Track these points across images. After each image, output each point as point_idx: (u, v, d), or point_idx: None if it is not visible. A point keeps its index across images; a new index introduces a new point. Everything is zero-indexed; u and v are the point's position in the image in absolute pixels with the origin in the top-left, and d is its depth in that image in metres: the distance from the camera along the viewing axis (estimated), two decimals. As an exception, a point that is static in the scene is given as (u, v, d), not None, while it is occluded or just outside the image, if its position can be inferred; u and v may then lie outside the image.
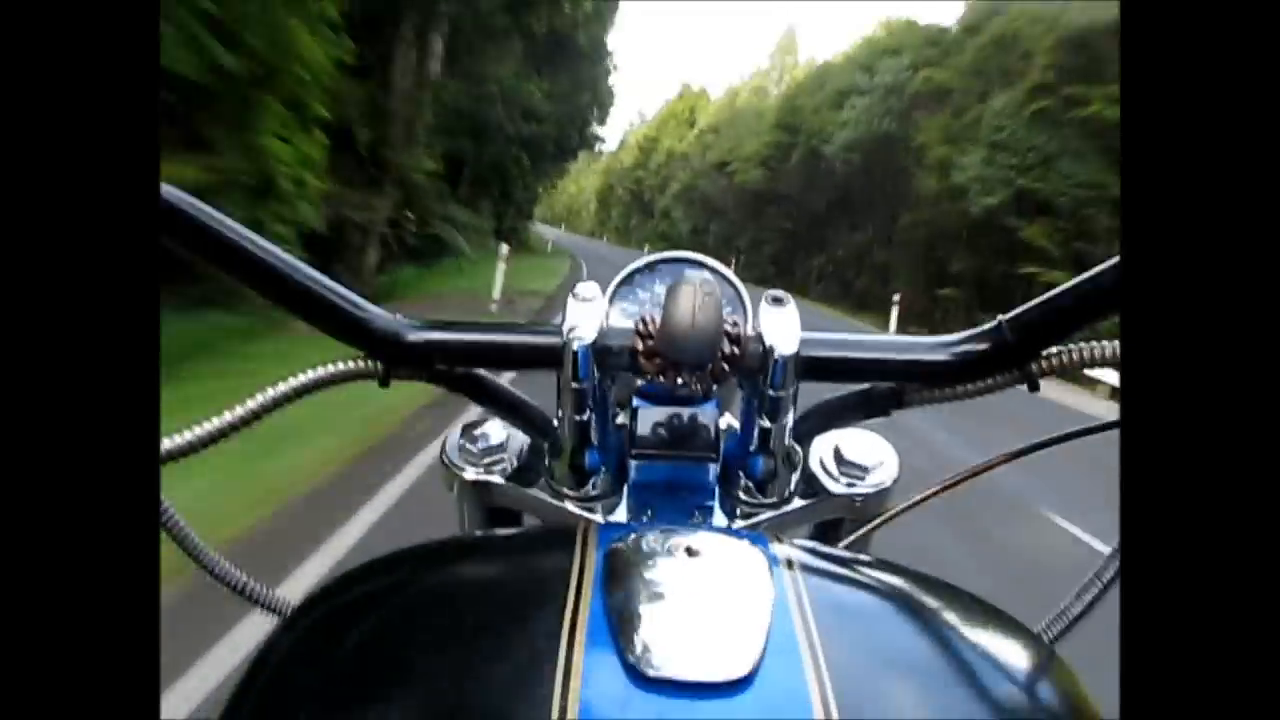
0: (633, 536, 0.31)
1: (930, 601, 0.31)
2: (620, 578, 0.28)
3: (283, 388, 0.40)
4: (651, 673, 0.24)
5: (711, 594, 0.28)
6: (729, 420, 0.48)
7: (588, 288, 0.41)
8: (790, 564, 0.30)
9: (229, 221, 0.38)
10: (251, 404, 0.39)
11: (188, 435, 0.38)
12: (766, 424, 0.41)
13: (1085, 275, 0.36)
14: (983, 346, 0.40)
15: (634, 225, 66.10)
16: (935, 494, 0.44)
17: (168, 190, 0.35)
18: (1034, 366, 0.39)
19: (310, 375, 0.40)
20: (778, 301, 0.40)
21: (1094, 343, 0.38)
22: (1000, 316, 0.39)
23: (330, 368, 0.41)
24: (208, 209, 0.37)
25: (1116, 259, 0.34)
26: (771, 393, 0.39)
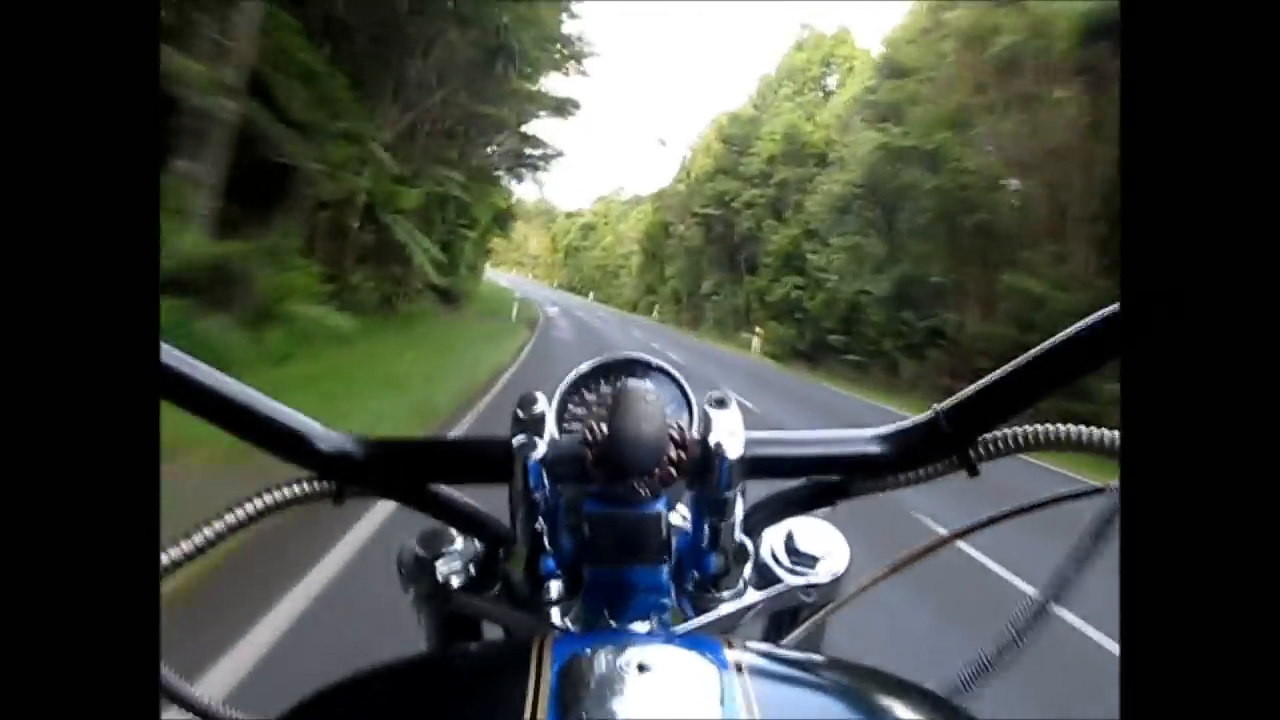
0: (586, 652, 0.32)
1: (881, 700, 0.33)
2: (573, 699, 0.29)
3: (237, 514, 0.39)
4: None
5: (663, 710, 0.29)
6: (679, 516, 0.48)
7: (534, 398, 0.42)
8: (741, 669, 0.31)
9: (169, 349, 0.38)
10: (206, 533, 0.38)
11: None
12: (716, 522, 0.42)
13: (1017, 361, 0.38)
14: (920, 436, 0.42)
15: (710, 289, 34.46)
16: (883, 577, 0.45)
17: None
18: (971, 453, 0.40)
19: (260, 502, 0.40)
20: (720, 404, 0.41)
21: (1032, 425, 0.39)
22: (935, 406, 0.41)
23: (282, 492, 0.41)
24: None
25: (1044, 343, 0.37)
26: (719, 494, 0.40)
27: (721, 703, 0.29)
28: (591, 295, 60.36)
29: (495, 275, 67.65)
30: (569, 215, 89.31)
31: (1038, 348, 0.37)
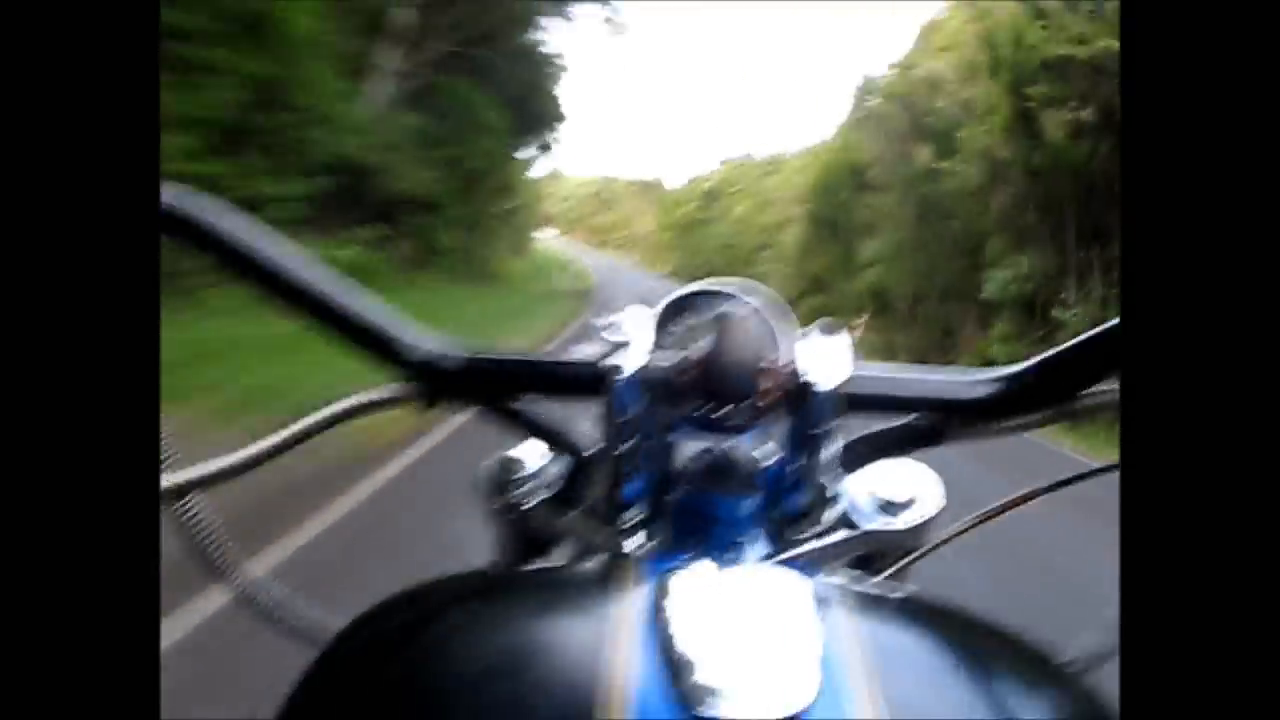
0: (679, 572, 0.31)
1: (971, 636, 0.33)
2: (668, 615, 0.28)
3: (322, 414, 0.40)
4: (703, 710, 0.24)
5: (760, 631, 0.28)
6: (770, 450, 0.47)
7: (634, 316, 0.42)
8: (838, 599, 0.31)
9: (251, 226, 0.38)
10: (286, 432, 0.40)
11: (221, 462, 0.38)
12: (808, 457, 0.41)
13: None
14: (1025, 384, 0.41)
15: (1014, 282, 14.72)
16: (971, 527, 0.45)
17: (171, 191, 0.36)
18: (1075, 405, 0.40)
19: (348, 402, 0.41)
20: (827, 332, 0.41)
21: None
22: (1043, 354, 0.41)
23: (370, 394, 0.42)
24: (223, 211, 0.38)
25: None
26: (813, 428, 0.40)
27: (823, 624, 0.28)
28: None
29: (585, 254, 50.34)
30: (690, 183, 70.55)
31: None
